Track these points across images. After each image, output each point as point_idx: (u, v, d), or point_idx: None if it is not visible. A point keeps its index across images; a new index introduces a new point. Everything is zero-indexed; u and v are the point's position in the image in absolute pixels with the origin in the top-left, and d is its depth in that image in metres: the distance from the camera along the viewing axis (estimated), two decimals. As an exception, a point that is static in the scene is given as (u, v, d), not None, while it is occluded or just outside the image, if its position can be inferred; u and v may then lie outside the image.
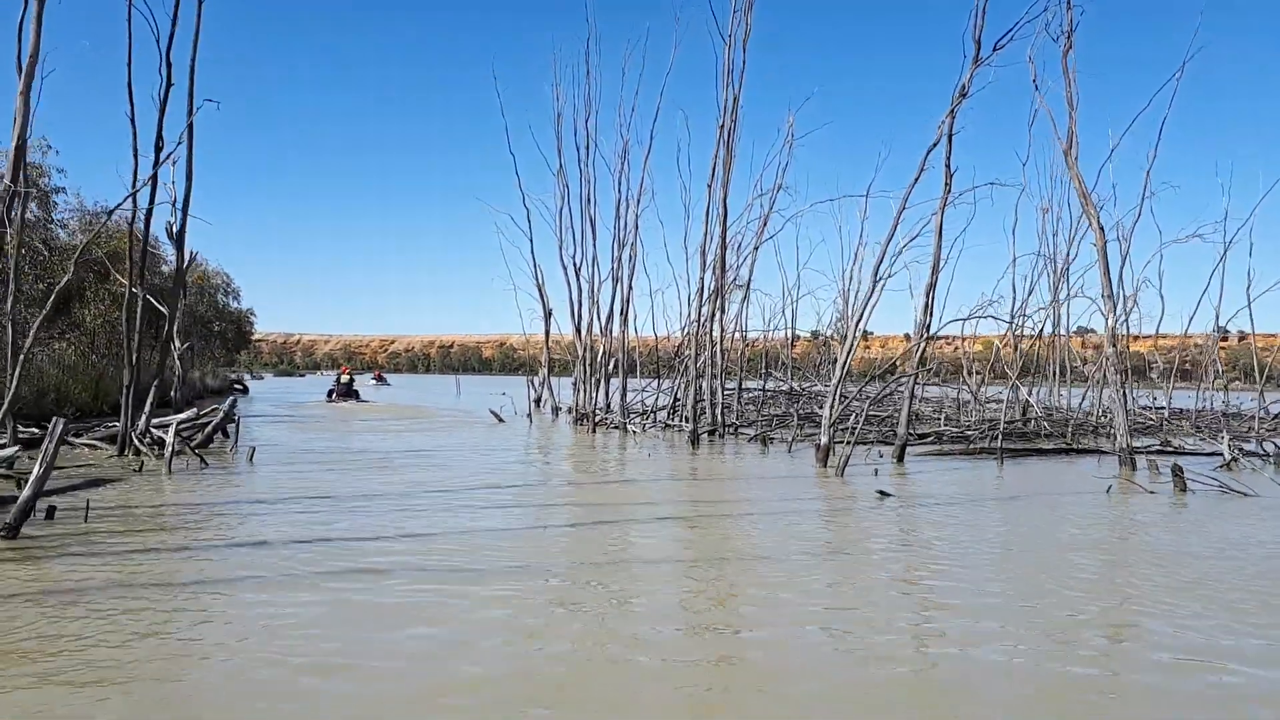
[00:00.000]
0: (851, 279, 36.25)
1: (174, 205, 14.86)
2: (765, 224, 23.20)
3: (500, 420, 25.10)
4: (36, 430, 15.24)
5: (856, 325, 14.48)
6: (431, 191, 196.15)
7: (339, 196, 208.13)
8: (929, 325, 16.04)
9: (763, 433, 19.07)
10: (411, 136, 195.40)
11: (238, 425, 16.22)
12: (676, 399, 23.62)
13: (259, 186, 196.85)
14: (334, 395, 37.19)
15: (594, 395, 25.92)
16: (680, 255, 43.39)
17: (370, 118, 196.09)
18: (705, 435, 19.05)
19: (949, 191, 15.91)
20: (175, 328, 22.34)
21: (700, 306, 17.90)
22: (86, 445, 14.43)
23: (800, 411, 23.91)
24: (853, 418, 20.72)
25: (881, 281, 15.05)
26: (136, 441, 13.33)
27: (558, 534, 8.23)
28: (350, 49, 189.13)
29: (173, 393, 22.05)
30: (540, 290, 30.94)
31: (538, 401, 34.30)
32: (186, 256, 23.28)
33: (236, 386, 50.10)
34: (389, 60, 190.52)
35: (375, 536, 7.71)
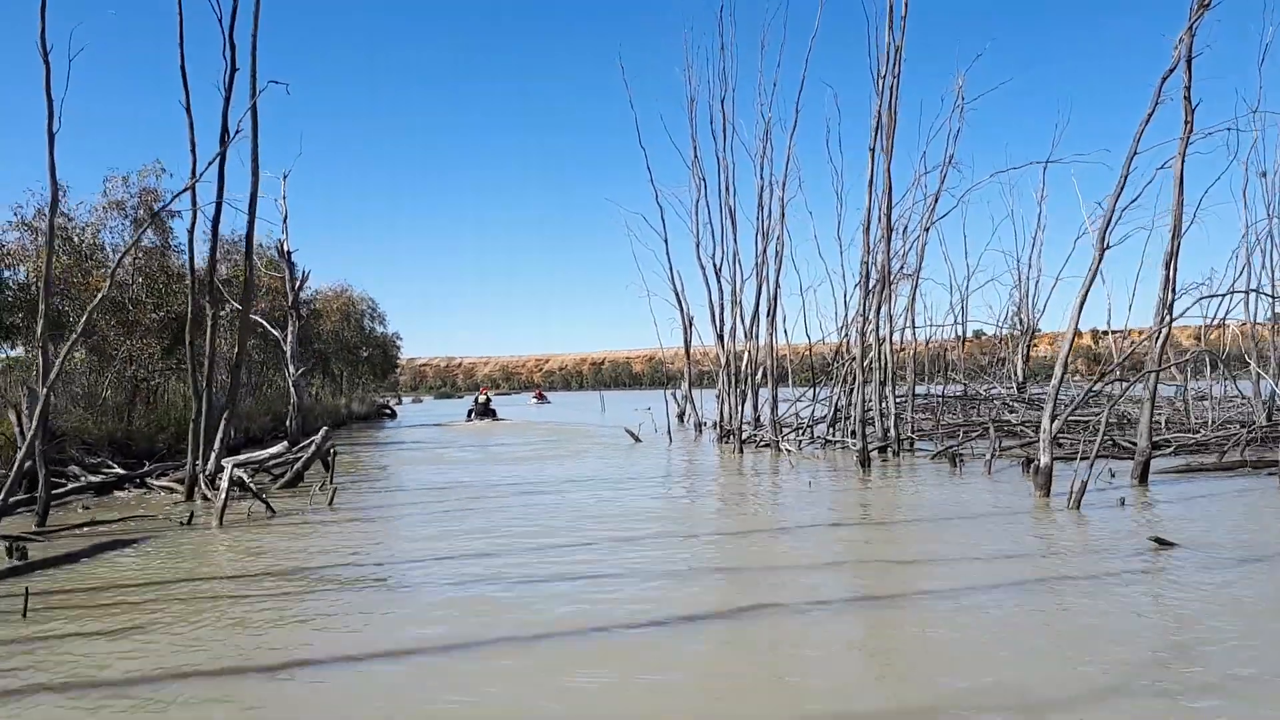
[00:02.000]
0: (1030, 265, 31.93)
1: (283, 218, 12.82)
2: (936, 201, 19.76)
3: (637, 440, 22.53)
4: (117, 470, 13.78)
5: (1080, 305, 10.97)
6: (574, 208, 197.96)
7: (482, 213, 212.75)
8: (1170, 305, 12.32)
9: (950, 449, 15.64)
10: (546, 140, 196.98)
11: (332, 460, 14.25)
12: (836, 409, 20.38)
13: (404, 209, 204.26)
14: (472, 415, 37.71)
15: (739, 409, 23.04)
16: (833, 248, 39.97)
17: (496, 113, 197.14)
18: (875, 453, 15.80)
19: (1190, 130, 12.23)
20: (289, 352, 20.96)
21: (864, 298, 14.72)
22: (164, 488, 12.77)
23: (993, 420, 20.17)
24: (1055, 423, 17.09)
25: (1106, 249, 11.49)
26: (204, 485, 11.45)
27: (696, 638, 5.42)
28: (463, 45, 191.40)
29: (288, 423, 20.66)
30: (678, 295, 28.31)
31: (680, 417, 31.61)
32: (299, 276, 21.94)
33: (385, 411, 49.88)
34: (506, 59, 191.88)
35: (446, 645, 5.18)
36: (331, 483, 13.59)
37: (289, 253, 20.70)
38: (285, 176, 20.88)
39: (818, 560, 7.56)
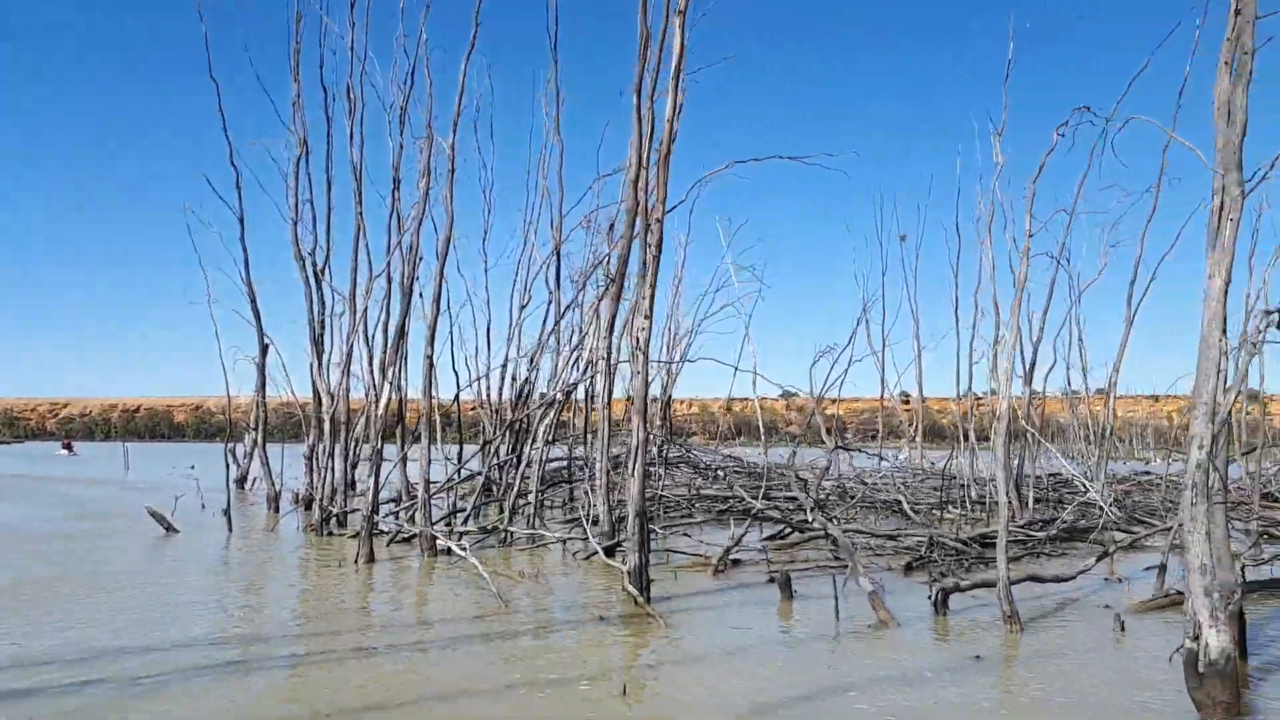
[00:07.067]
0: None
1: None
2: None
3: (169, 530, 13.17)
4: None
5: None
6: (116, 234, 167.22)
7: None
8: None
9: (778, 574, 9.16)
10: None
11: None
12: (522, 477, 12.99)
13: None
14: None
15: (346, 473, 14.85)
16: (475, 262, 30.54)
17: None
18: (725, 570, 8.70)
19: None
20: None
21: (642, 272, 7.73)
22: None
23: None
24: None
25: None
26: None
27: None
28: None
29: None
30: (253, 306, 19.06)
31: (241, 482, 21.95)
32: None
33: None
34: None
35: None
36: None
37: None
38: None
39: None
